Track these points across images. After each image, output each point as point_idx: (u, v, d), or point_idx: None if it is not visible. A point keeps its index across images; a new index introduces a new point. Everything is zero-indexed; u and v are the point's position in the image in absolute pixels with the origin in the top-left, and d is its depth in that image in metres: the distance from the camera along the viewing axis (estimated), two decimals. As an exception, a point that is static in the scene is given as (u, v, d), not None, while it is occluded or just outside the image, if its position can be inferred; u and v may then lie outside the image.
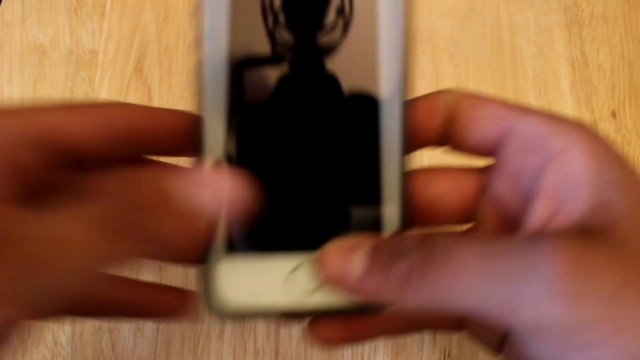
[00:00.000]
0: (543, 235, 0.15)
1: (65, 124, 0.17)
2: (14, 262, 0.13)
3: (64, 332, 0.32)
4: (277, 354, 0.32)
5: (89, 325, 0.32)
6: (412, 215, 0.18)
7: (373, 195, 0.18)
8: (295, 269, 0.17)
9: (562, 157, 0.17)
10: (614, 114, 0.37)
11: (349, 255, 0.16)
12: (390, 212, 0.18)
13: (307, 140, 0.18)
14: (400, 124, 0.18)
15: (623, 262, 0.15)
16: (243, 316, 0.18)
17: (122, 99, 0.36)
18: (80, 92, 0.36)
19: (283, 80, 0.18)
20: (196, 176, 0.16)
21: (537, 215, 0.17)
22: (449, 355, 0.33)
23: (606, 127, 0.37)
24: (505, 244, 0.15)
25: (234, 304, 0.17)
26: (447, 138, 0.20)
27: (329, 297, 0.17)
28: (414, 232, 0.16)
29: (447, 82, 0.37)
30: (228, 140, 0.17)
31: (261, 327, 0.33)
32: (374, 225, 0.18)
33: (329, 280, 0.16)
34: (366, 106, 0.18)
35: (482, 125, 0.19)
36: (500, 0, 0.39)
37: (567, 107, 0.37)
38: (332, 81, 0.18)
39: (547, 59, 0.38)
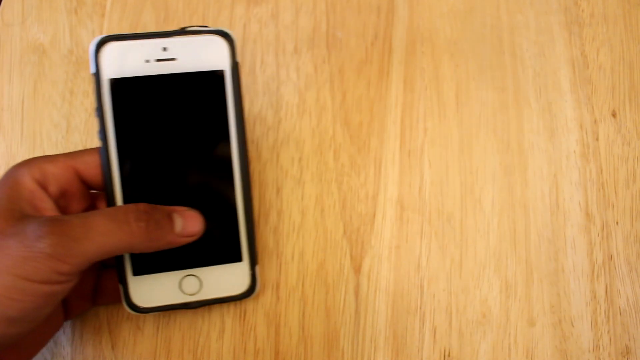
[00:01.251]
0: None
1: (77, 166, 0.27)
2: (65, 236, 0.23)
3: (64, 332, 0.32)
4: (277, 353, 0.32)
5: (89, 325, 0.32)
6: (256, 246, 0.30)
7: (227, 232, 0.30)
8: (181, 280, 0.29)
9: None
10: (614, 114, 0.37)
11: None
12: (243, 242, 0.30)
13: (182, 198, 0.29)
14: (244, 188, 0.29)
15: None
16: (150, 311, 0.29)
17: (122, 99, 0.36)
18: (80, 92, 0.36)
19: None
20: (189, 215, 0.28)
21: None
22: (449, 355, 0.33)
23: (606, 127, 0.37)
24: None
25: (141, 305, 0.29)
26: None
27: (203, 296, 0.29)
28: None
29: (447, 82, 0.37)
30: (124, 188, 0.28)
31: (261, 327, 0.33)
32: (228, 248, 0.30)
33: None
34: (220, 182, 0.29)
35: None
36: (500, 0, 0.39)
37: (567, 107, 0.37)
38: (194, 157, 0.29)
39: (547, 59, 0.38)
